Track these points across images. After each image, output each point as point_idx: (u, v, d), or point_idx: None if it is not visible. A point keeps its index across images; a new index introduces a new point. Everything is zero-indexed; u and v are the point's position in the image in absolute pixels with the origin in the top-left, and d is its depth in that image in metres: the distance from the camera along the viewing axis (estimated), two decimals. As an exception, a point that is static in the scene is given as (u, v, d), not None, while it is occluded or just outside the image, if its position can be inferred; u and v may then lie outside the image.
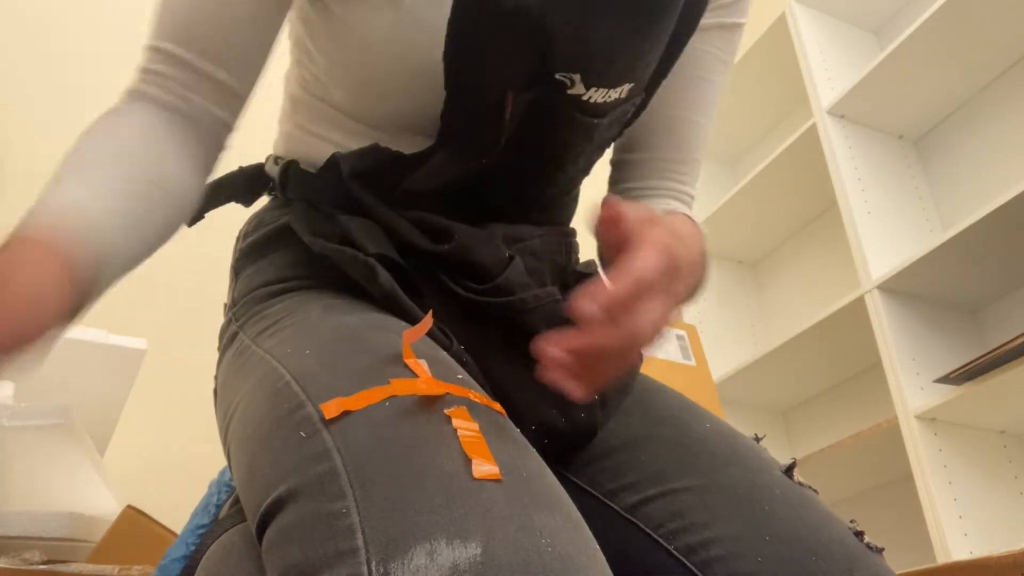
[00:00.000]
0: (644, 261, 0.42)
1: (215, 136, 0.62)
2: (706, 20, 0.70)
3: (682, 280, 0.50)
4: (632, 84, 0.62)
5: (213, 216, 0.78)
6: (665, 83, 0.68)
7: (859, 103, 1.98)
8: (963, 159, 1.99)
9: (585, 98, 0.60)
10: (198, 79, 0.59)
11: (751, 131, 2.65)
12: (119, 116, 0.58)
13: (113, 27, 1.85)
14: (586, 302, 0.40)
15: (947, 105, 2.01)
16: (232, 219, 0.80)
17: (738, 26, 0.75)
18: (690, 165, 0.76)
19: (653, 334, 0.43)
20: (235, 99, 0.62)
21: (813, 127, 2.04)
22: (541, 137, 0.63)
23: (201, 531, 0.59)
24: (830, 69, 2.12)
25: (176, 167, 0.58)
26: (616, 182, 0.79)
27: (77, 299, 0.47)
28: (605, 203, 0.45)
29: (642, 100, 0.67)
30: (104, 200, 0.51)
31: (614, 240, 0.45)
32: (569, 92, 0.59)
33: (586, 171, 0.73)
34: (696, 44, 0.70)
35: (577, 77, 0.59)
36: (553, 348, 0.41)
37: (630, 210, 0.45)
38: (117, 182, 0.53)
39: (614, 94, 0.61)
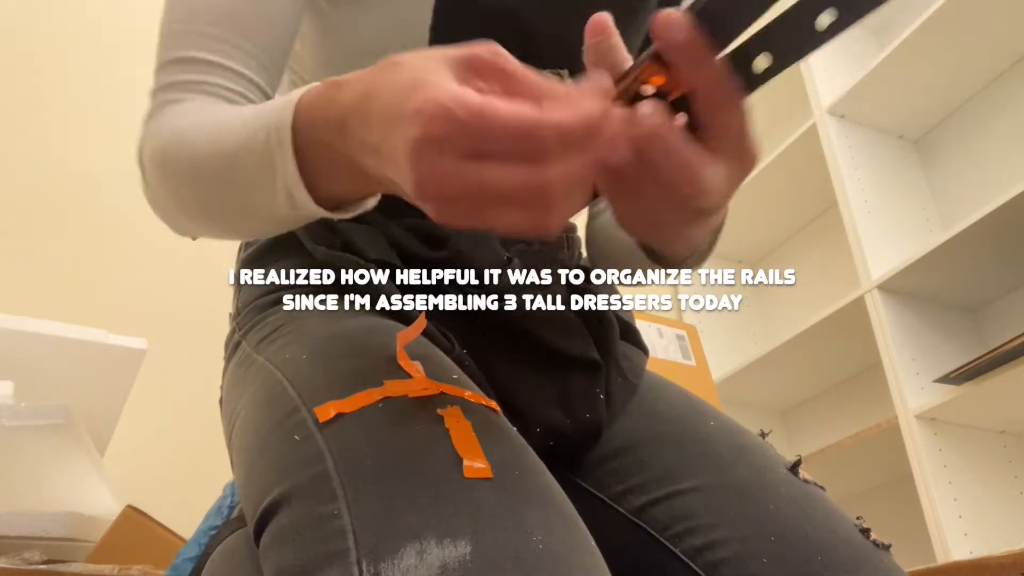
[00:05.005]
0: None
1: None
2: None
3: None
4: None
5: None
6: None
7: (859, 103, 1.98)
8: (963, 159, 1.99)
9: None
10: (237, 80, 0.56)
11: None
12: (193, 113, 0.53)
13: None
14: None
15: (947, 105, 2.01)
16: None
17: None
18: None
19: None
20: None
21: (813, 127, 2.04)
22: None
23: (213, 532, 0.60)
24: (830, 69, 2.12)
25: None
26: None
27: None
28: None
29: None
30: None
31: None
32: None
33: None
34: None
35: (565, 72, 0.59)
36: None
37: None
38: None
39: None
